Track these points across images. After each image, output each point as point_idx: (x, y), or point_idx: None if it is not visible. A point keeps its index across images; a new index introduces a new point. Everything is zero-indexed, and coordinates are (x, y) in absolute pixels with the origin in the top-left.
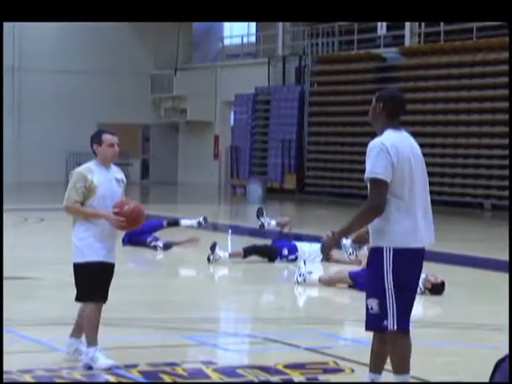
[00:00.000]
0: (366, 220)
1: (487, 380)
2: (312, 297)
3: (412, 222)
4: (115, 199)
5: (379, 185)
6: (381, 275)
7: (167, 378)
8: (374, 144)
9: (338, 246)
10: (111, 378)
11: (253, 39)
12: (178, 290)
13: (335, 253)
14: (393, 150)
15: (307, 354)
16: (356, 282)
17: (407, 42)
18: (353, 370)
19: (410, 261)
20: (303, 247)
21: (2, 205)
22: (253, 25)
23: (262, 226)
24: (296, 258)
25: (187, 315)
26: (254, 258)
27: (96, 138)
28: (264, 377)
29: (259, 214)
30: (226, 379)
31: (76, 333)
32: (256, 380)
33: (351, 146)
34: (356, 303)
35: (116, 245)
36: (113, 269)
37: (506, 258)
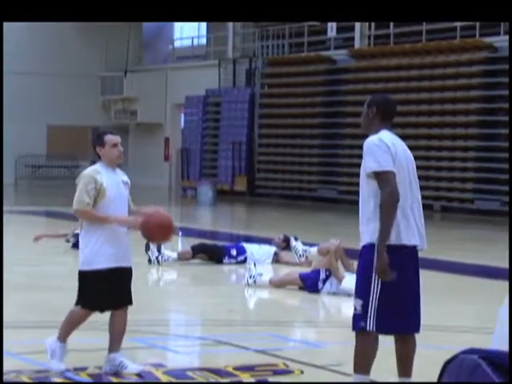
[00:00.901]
0: (391, 213)
1: (435, 381)
2: (262, 299)
3: (405, 220)
4: (124, 202)
5: (387, 175)
6: (368, 275)
7: (117, 381)
8: (372, 141)
9: (288, 247)
10: (60, 381)
11: (203, 41)
12: None
13: (285, 255)
14: (391, 147)
15: (257, 356)
16: (306, 283)
17: (357, 45)
18: (302, 372)
19: (401, 259)
20: (252, 249)
21: (2, 205)
22: (203, 26)
23: (150, 261)
24: (245, 260)
25: (136, 317)
26: (203, 260)
27: (98, 141)
28: (214, 379)
29: (146, 248)
30: (176, 381)
31: (113, 347)
32: (212, 380)
33: (301, 148)
34: (306, 305)
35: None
36: (128, 272)
37: (456, 259)
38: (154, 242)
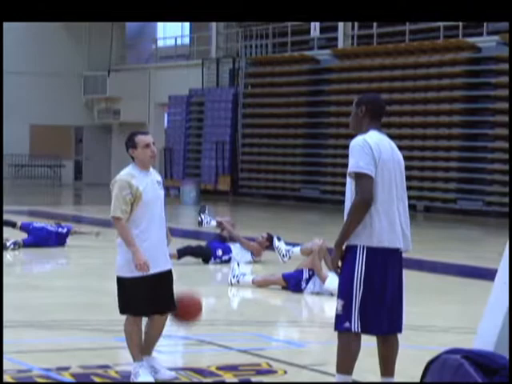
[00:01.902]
0: (358, 216)
1: (418, 380)
2: (246, 298)
3: (389, 223)
4: (159, 204)
5: (365, 178)
6: (350, 276)
7: (99, 381)
8: (357, 141)
9: (272, 247)
10: (43, 381)
11: (186, 41)
12: (110, 291)
13: (270, 255)
14: (375, 148)
15: (240, 356)
16: (290, 283)
17: (340, 45)
18: (285, 372)
19: (383, 261)
20: (236, 249)
21: (2, 205)
22: (186, 26)
23: (201, 223)
24: (229, 259)
25: (120, 317)
26: (188, 259)
27: (130, 142)
28: (197, 378)
29: (202, 210)
30: (160, 381)
31: (144, 349)
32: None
33: (285, 148)
34: (289, 305)
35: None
36: (165, 276)
37: (440, 259)
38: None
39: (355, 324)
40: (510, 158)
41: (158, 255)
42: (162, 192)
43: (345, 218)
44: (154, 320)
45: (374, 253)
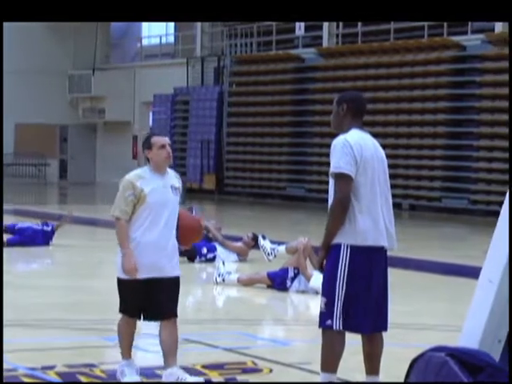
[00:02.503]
0: (338, 216)
1: (398, 377)
2: (231, 297)
3: (373, 221)
4: (169, 208)
5: (343, 179)
6: (334, 274)
7: (85, 380)
8: (338, 140)
9: (257, 246)
10: (29, 381)
11: (171, 39)
12: (95, 290)
13: (255, 254)
14: (356, 147)
15: (226, 355)
16: (275, 282)
17: (325, 43)
18: (271, 370)
19: (368, 259)
20: (221, 248)
21: (2, 204)
22: (171, 25)
23: None
24: (214, 258)
25: (106, 316)
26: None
27: (146, 144)
28: None
29: (189, 211)
30: (145, 380)
31: (166, 361)
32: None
33: (270, 147)
34: (274, 303)
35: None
36: (159, 283)
37: (425, 257)
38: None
39: (337, 322)
40: (510, 157)
41: (155, 260)
42: (174, 197)
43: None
44: (162, 329)
45: (357, 251)
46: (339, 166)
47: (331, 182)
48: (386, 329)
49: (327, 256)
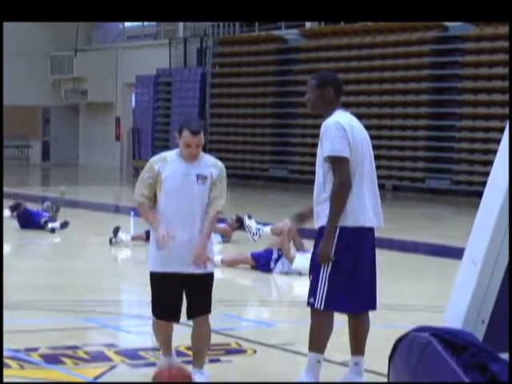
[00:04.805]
0: (340, 200)
1: (383, 356)
2: (215, 278)
3: (361, 203)
4: (190, 197)
5: (342, 162)
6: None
7: (69, 362)
8: (330, 123)
9: (242, 227)
10: (12, 363)
11: None
12: (79, 272)
13: (240, 235)
14: (348, 130)
15: None
16: (259, 262)
17: (308, 24)
18: (255, 351)
19: (355, 240)
20: None
21: (2, 203)
22: None
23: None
24: None
25: (88, 298)
26: None
27: (179, 129)
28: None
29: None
30: (128, 361)
31: (194, 362)
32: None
33: (253, 128)
34: (258, 284)
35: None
36: (178, 279)
37: (408, 238)
38: None
39: (319, 301)
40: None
41: (175, 255)
42: (198, 187)
43: (315, 200)
44: (193, 327)
45: (345, 232)
46: (337, 150)
47: (320, 165)
48: (374, 307)
49: (316, 237)
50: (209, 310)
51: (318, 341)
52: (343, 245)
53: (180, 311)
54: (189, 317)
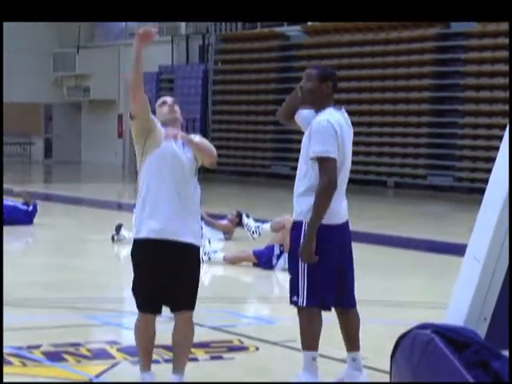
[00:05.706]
0: (325, 200)
1: (384, 353)
2: (217, 275)
3: (340, 201)
4: (180, 167)
5: (331, 163)
6: (297, 251)
7: (71, 359)
8: (320, 122)
9: (241, 224)
10: (14, 360)
11: None
12: (81, 269)
13: (241, 232)
14: (338, 129)
15: (212, 333)
16: (261, 260)
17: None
18: (257, 348)
19: (329, 237)
20: (206, 226)
21: (2, 201)
22: None
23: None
24: (201, 236)
25: (91, 295)
26: None
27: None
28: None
29: (117, 229)
30: (131, 359)
31: (173, 364)
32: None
33: (255, 125)
34: (260, 281)
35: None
36: (174, 250)
37: (410, 234)
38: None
39: (302, 299)
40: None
41: (164, 216)
42: (185, 156)
43: (295, 193)
44: (175, 322)
45: (320, 228)
46: (326, 150)
47: (303, 163)
48: (354, 305)
49: (290, 233)
50: (193, 306)
51: (310, 338)
52: (319, 241)
53: (163, 298)
54: (172, 309)
